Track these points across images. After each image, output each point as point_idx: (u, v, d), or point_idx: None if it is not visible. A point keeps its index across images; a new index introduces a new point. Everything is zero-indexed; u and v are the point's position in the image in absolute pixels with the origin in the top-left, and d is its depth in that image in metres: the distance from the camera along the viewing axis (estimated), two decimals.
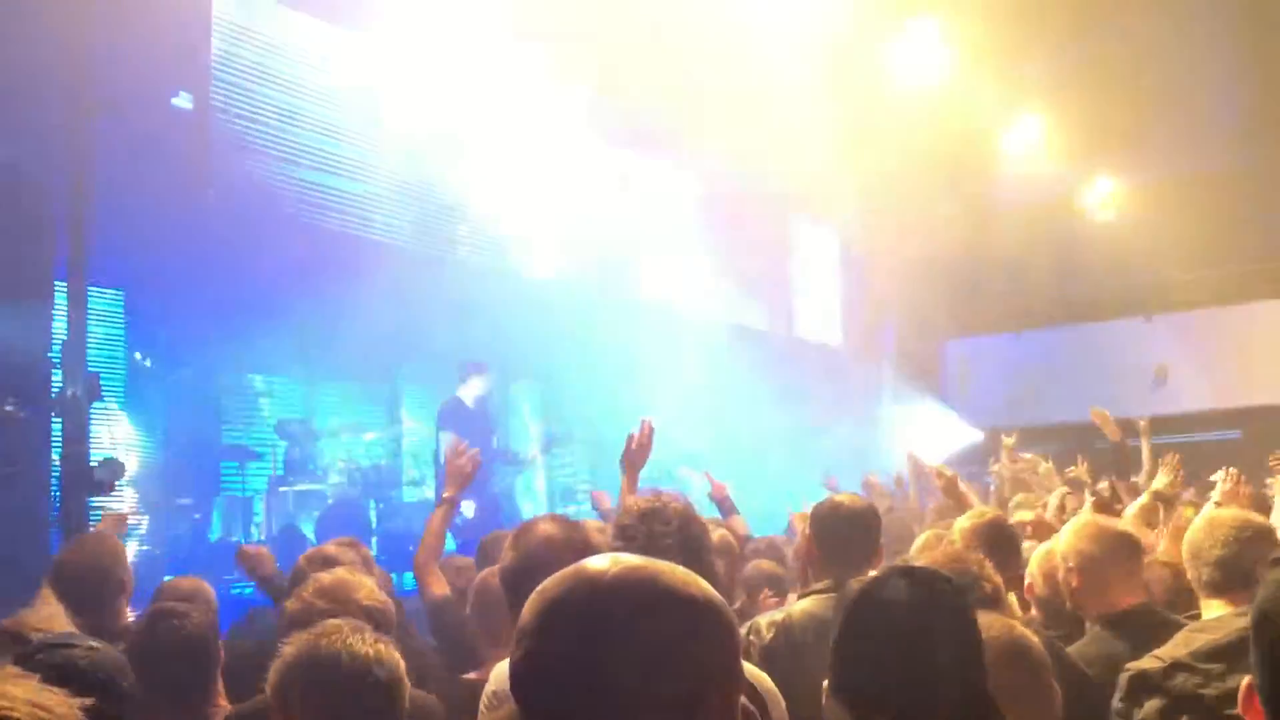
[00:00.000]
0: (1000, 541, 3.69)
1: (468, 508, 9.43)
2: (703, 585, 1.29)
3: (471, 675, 3.26)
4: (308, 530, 8.58)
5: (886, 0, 11.70)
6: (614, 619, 1.22)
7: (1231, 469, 5.46)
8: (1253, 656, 1.28)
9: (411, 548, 6.21)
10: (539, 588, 1.30)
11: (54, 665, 2.00)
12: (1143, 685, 2.83)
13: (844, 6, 10.71)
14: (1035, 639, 2.36)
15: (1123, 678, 2.83)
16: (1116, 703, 2.83)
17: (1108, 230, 16.57)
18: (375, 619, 2.56)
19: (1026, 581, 3.80)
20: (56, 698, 1.32)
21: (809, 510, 3.71)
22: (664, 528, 2.63)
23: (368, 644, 2.20)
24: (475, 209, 10.15)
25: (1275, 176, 15.81)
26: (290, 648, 2.21)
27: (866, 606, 1.82)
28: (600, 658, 1.20)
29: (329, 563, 3.11)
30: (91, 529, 6.25)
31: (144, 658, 2.84)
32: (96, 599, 3.58)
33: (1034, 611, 3.74)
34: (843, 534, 3.44)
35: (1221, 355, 14.46)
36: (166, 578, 8.12)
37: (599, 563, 1.29)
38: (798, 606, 3.43)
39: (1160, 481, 5.28)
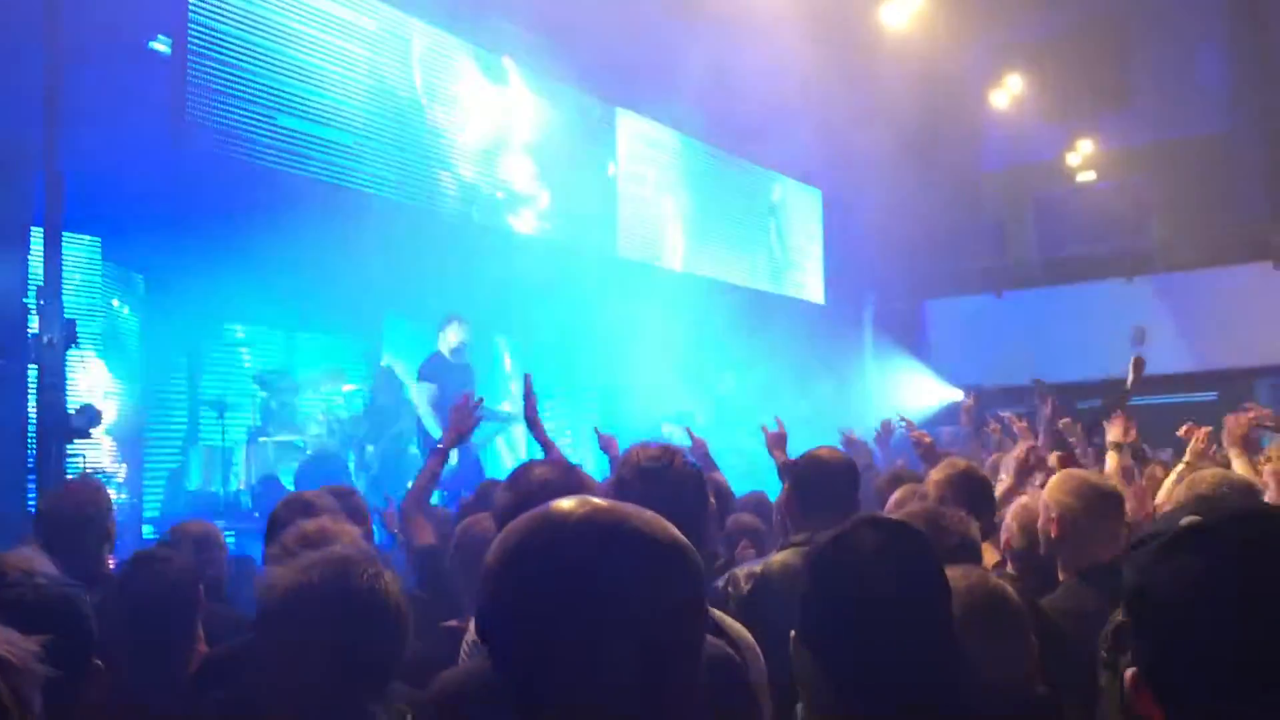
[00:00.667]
0: (974, 492, 3.71)
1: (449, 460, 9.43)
2: (670, 529, 1.27)
3: (452, 623, 3.26)
4: (286, 481, 8.57)
5: None
6: (577, 559, 1.21)
7: (1200, 428, 5.47)
8: (1132, 637, 1.26)
9: (389, 497, 6.24)
10: (504, 530, 1.29)
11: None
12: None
13: None
14: (1010, 590, 2.38)
15: (1108, 629, 2.85)
16: (1103, 653, 2.85)
17: (1089, 192, 16.62)
18: None
19: (1003, 535, 3.82)
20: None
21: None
22: (660, 491, 2.56)
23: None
24: (460, 161, 10.09)
25: (1256, 141, 15.86)
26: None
27: (833, 556, 1.82)
28: (562, 598, 1.19)
29: (308, 509, 3.09)
30: (70, 476, 6.25)
31: (125, 601, 2.83)
32: (79, 545, 3.56)
33: (1009, 565, 3.76)
34: (822, 487, 3.44)
35: (1200, 318, 14.53)
36: (147, 527, 8.18)
37: (566, 504, 1.28)
38: (775, 559, 3.44)
39: (1112, 434, 5.30)
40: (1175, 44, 16.06)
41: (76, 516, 3.65)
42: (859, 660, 1.71)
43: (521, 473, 2.60)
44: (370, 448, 9.27)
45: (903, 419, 7.51)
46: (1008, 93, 14.80)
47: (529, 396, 4.26)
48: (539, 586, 1.20)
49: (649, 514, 1.28)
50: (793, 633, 1.81)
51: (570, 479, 2.53)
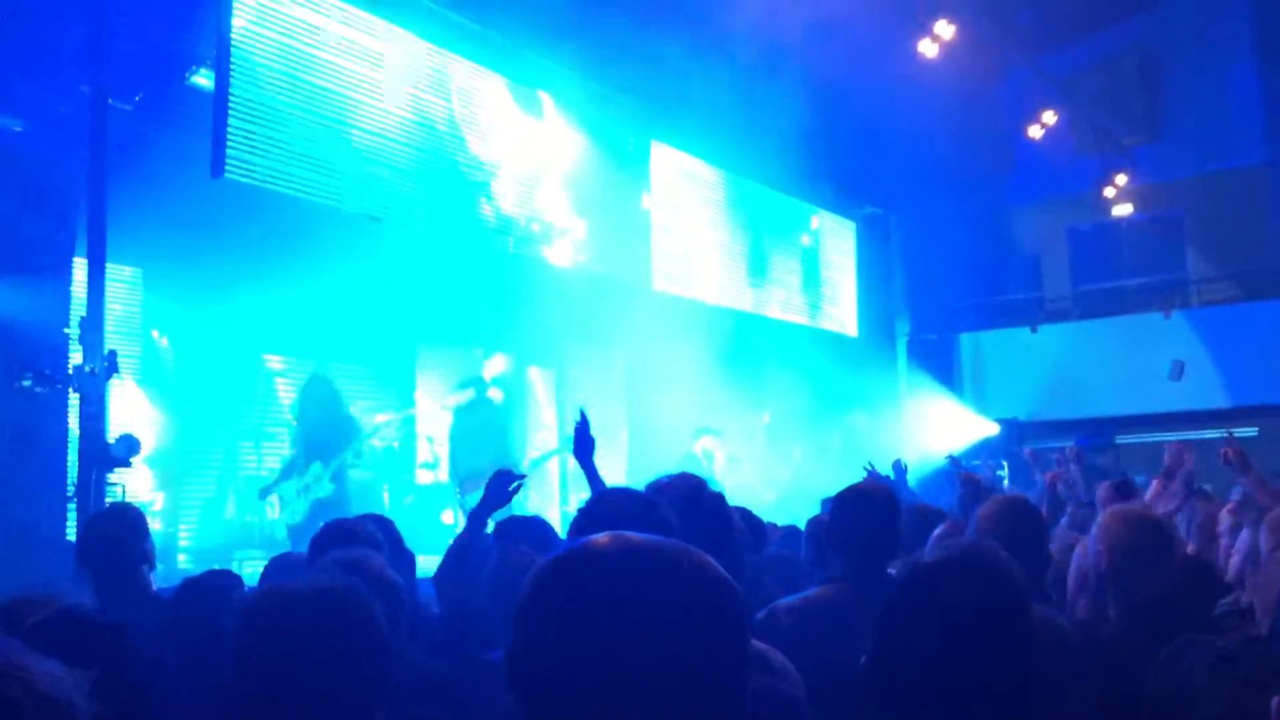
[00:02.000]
0: (1020, 529, 3.63)
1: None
2: (709, 562, 1.24)
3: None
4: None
5: None
6: (611, 594, 1.18)
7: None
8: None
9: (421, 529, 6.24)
10: (540, 564, 1.26)
11: None
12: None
13: (866, 2, 10.70)
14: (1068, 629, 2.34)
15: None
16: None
17: (1125, 225, 16.51)
18: (386, 593, 2.52)
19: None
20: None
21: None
22: (691, 524, 2.51)
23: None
24: (496, 193, 10.14)
25: None
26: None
27: (919, 590, 1.78)
28: (596, 632, 1.16)
29: (349, 535, 3.09)
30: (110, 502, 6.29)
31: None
32: (118, 566, 3.60)
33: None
34: (866, 522, 3.40)
35: (1239, 352, 14.36)
36: (183, 557, 8.22)
37: (601, 537, 1.25)
38: (815, 593, 3.41)
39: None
40: (1209, 75, 15.98)
41: (115, 539, 3.69)
42: (937, 695, 1.68)
43: (599, 500, 2.53)
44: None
45: (951, 458, 7.44)
46: (1041, 124, 14.75)
47: (582, 434, 4.18)
48: (570, 619, 1.18)
49: (683, 546, 1.25)
50: (862, 660, 1.77)
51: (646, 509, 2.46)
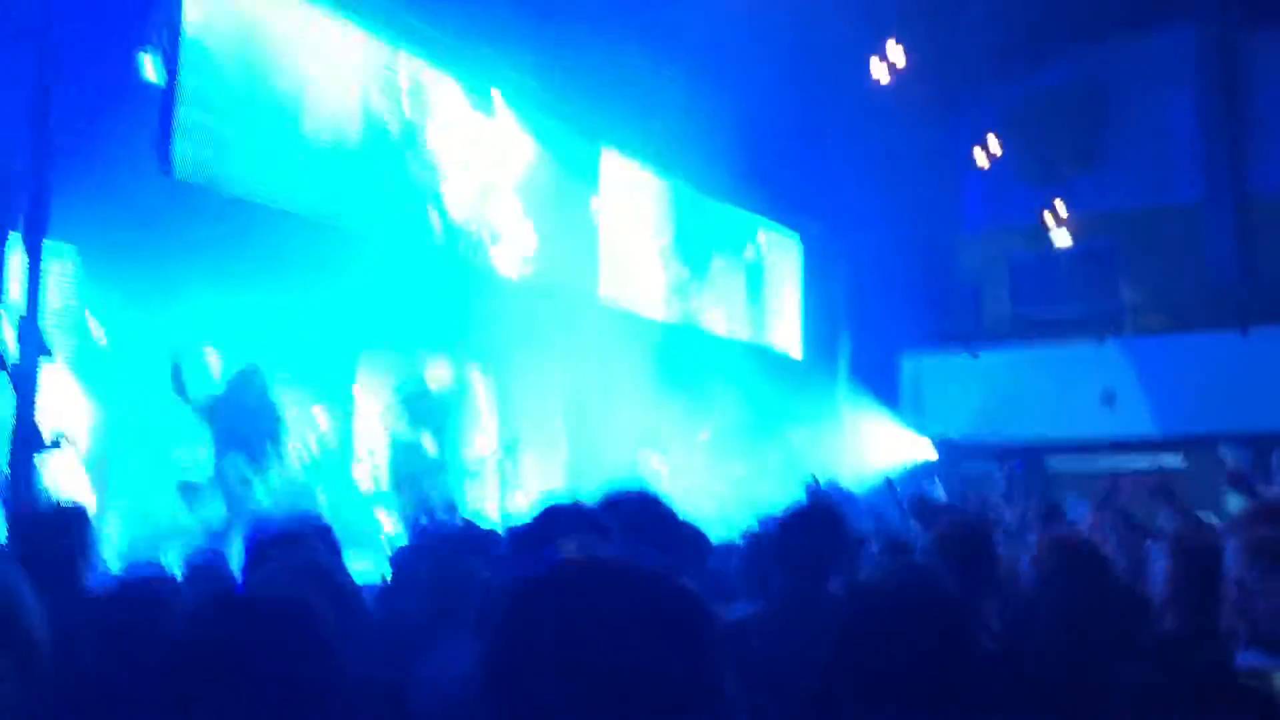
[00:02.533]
0: (973, 548, 3.66)
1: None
2: (682, 582, 1.26)
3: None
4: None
5: (857, 17, 11.78)
6: (594, 614, 1.20)
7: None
8: None
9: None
10: (512, 588, 1.27)
11: None
12: None
13: (818, 22, 10.81)
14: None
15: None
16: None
17: (1063, 255, 16.81)
18: (340, 598, 2.50)
19: None
20: None
21: None
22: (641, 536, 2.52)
23: None
24: (446, 196, 10.09)
25: (1227, 209, 16.12)
26: None
27: (865, 611, 1.78)
28: (570, 645, 1.18)
29: (293, 538, 3.05)
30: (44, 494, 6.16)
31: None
32: (56, 570, 3.50)
33: None
34: (812, 541, 3.41)
35: (1168, 382, 14.67)
36: (110, 553, 8.03)
37: (567, 550, 1.27)
38: (758, 610, 3.41)
39: None
40: (1149, 111, 16.35)
41: (55, 540, 3.59)
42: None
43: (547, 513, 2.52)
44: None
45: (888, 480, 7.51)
46: (986, 153, 14.99)
47: None
48: (548, 635, 1.19)
49: (650, 562, 1.27)
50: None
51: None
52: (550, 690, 1.17)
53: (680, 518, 2.72)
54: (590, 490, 2.75)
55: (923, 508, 5.80)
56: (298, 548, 2.92)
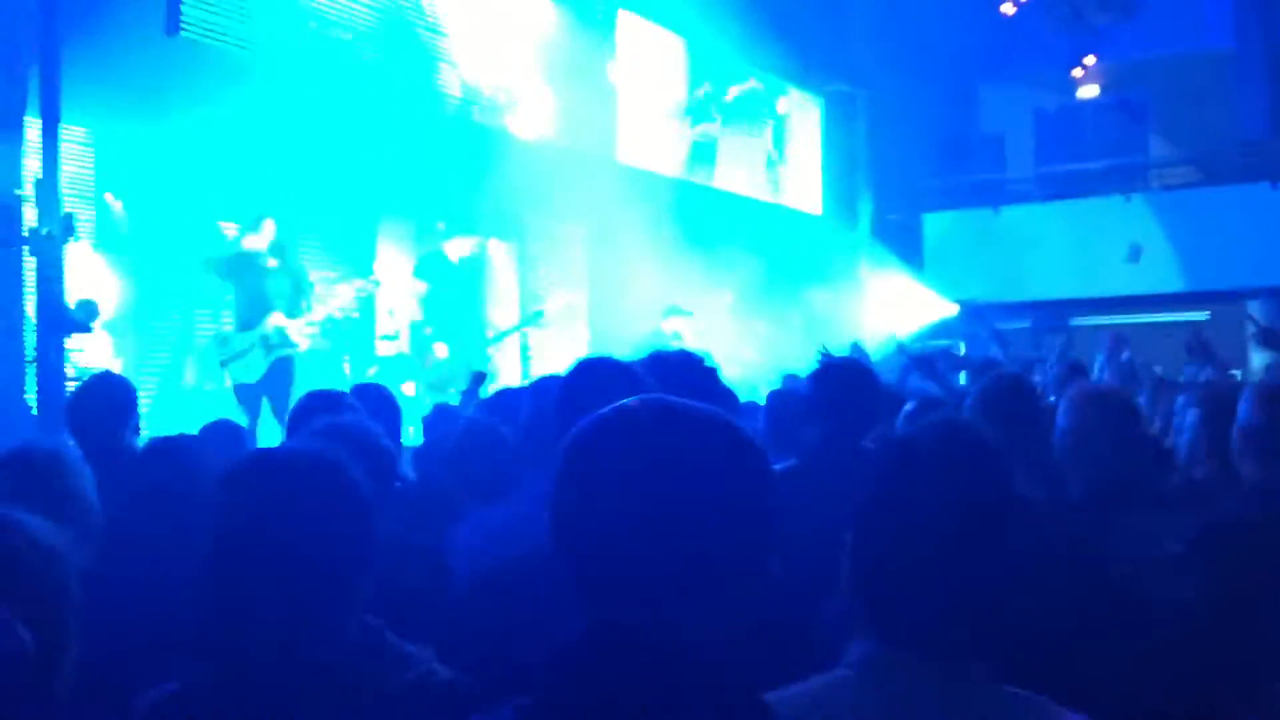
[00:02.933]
0: (1020, 404, 3.64)
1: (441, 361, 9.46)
2: (738, 424, 1.28)
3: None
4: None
5: None
6: (655, 455, 1.21)
7: None
8: None
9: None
10: (574, 432, 1.27)
11: None
12: None
13: None
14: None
15: None
16: None
17: (1090, 107, 16.47)
18: (377, 460, 2.51)
19: None
20: None
21: None
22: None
23: None
24: (460, 60, 9.90)
25: (1259, 58, 15.68)
26: None
27: (899, 463, 1.61)
28: (641, 485, 1.19)
29: (331, 404, 3.08)
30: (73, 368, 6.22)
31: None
32: (107, 440, 3.62)
33: None
34: (846, 394, 3.39)
35: (1196, 236, 14.48)
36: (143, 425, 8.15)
37: (633, 402, 1.27)
38: (792, 464, 3.42)
39: None
40: None
41: (104, 411, 3.70)
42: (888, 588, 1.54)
43: (583, 368, 2.50)
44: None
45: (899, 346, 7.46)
46: (1013, 1, 14.57)
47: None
48: (616, 473, 1.21)
49: (717, 410, 1.29)
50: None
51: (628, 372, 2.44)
52: (620, 528, 1.19)
53: (720, 377, 2.71)
54: (617, 355, 2.75)
55: (961, 364, 5.77)
56: (338, 410, 2.94)
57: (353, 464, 1.96)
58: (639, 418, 1.24)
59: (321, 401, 3.19)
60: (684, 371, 2.59)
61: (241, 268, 7.84)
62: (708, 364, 2.70)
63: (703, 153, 13.08)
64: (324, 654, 1.76)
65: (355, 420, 2.71)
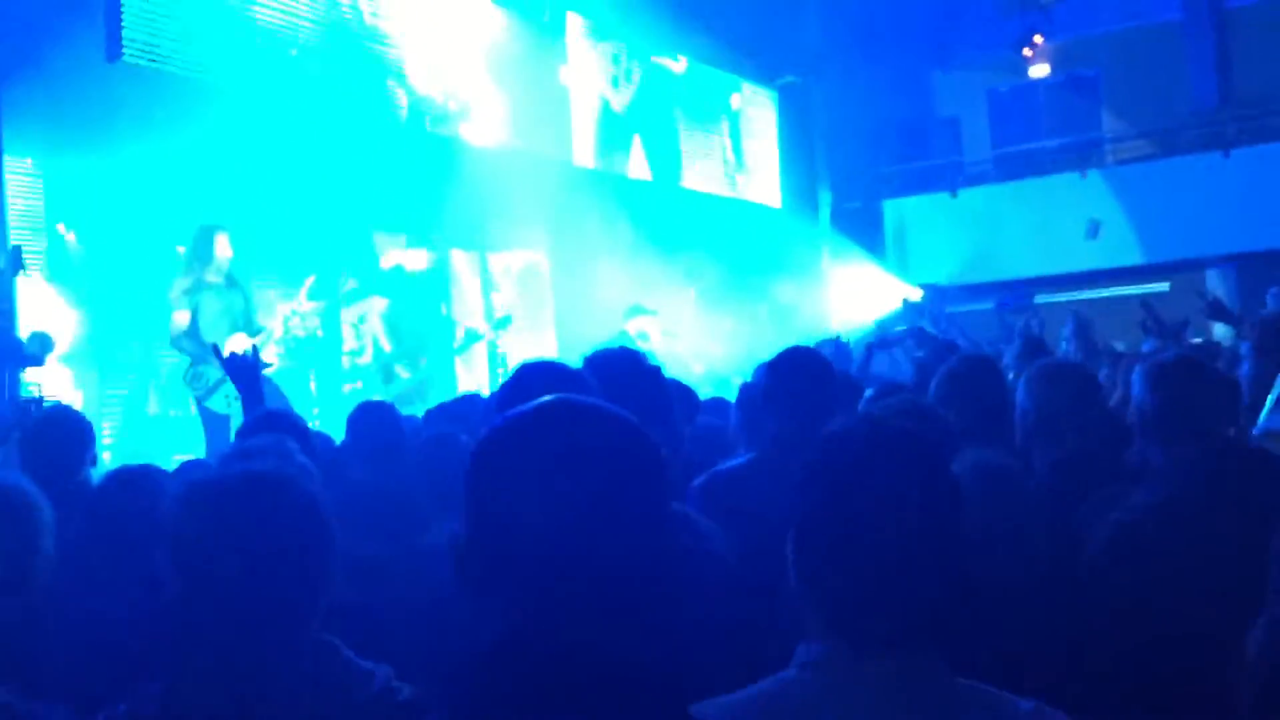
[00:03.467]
0: (986, 383, 3.64)
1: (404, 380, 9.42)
2: (626, 417, 1.30)
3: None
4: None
5: None
6: (548, 443, 1.24)
7: None
8: None
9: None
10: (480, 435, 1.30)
11: None
12: None
13: None
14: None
15: None
16: None
17: (1041, 86, 16.57)
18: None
19: None
20: None
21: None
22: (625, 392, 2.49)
23: None
24: (409, 70, 9.84)
25: (1207, 29, 15.84)
26: None
27: (833, 448, 1.57)
28: (533, 486, 1.21)
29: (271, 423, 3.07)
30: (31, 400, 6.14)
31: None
32: (62, 473, 3.57)
33: None
34: (799, 384, 3.37)
35: (1152, 209, 14.61)
36: (106, 452, 8.07)
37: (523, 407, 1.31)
38: (751, 458, 3.40)
39: None
40: None
41: (59, 444, 3.66)
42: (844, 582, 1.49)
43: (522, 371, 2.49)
44: None
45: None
46: None
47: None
48: (507, 477, 1.23)
49: (607, 406, 1.32)
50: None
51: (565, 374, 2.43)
52: (522, 520, 1.20)
53: (663, 373, 2.69)
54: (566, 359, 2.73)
55: (929, 344, 5.78)
56: (271, 432, 2.92)
57: (311, 480, 1.94)
58: (535, 417, 1.26)
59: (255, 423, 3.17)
60: (625, 370, 2.57)
61: (201, 295, 7.68)
62: (650, 363, 2.68)
63: (659, 152, 13.06)
64: (282, 671, 1.74)
65: (277, 438, 2.69)
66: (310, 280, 8.75)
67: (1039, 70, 15.89)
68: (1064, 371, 3.62)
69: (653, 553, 1.23)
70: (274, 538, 1.78)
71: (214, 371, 7.39)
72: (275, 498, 1.83)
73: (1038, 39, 15.31)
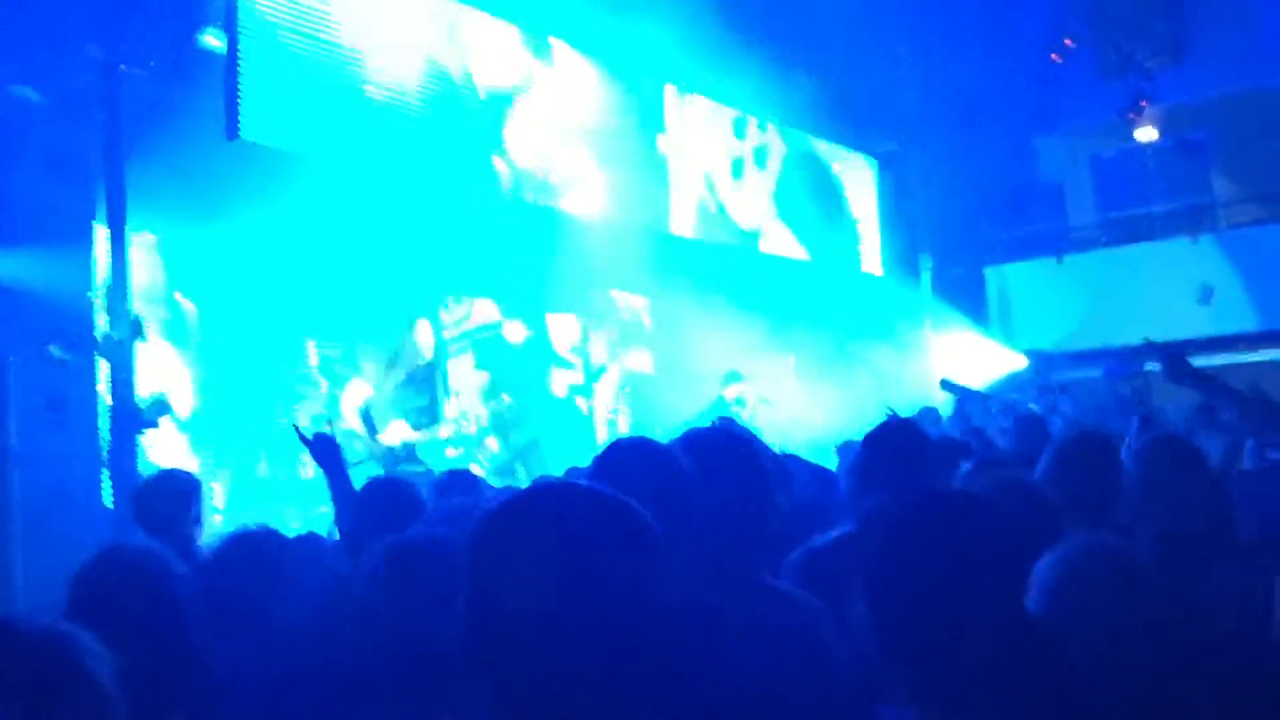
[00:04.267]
0: (1098, 460, 3.59)
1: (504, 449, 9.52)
2: (627, 502, 1.35)
3: None
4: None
5: None
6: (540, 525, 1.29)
7: None
8: None
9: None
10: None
11: None
12: None
13: None
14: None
15: None
16: None
17: (1148, 150, 16.28)
18: None
19: None
20: None
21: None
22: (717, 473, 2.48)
23: None
24: (510, 144, 10.07)
25: None
26: None
27: (881, 529, 1.64)
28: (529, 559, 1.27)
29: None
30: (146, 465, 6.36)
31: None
32: (169, 533, 3.71)
33: None
34: (893, 459, 3.35)
35: (1267, 274, 14.18)
36: (219, 518, 8.30)
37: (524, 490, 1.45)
38: (849, 532, 3.37)
39: None
40: None
41: (167, 504, 3.81)
42: (909, 648, 1.53)
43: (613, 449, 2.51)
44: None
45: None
46: (1063, 49, 14.51)
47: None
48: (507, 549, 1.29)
49: (606, 491, 1.37)
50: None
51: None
52: (511, 602, 1.25)
53: (756, 446, 2.69)
54: (677, 423, 2.76)
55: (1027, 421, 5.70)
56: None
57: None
58: (531, 503, 1.34)
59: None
60: (717, 446, 2.58)
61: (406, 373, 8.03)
62: (743, 437, 2.68)
63: (758, 220, 13.11)
64: None
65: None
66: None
67: (1146, 134, 15.63)
68: (1171, 443, 3.54)
69: (644, 627, 1.25)
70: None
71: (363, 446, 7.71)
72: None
73: (1143, 103, 15.09)
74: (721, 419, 2.72)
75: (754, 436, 2.73)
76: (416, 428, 7.92)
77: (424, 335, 8.06)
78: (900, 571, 1.54)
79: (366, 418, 8.04)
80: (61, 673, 1.53)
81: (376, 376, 8.22)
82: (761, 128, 13.26)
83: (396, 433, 7.82)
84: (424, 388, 8.05)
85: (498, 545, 1.28)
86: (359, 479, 4.12)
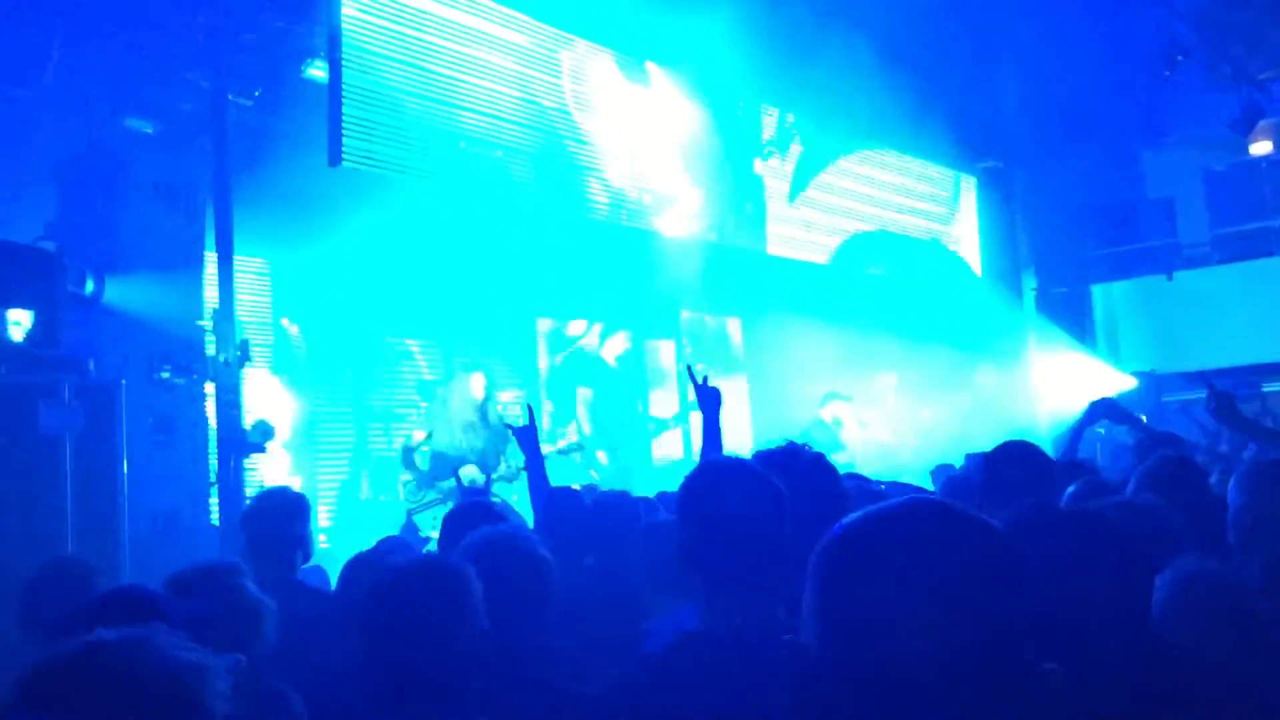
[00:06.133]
0: (1179, 483, 3.49)
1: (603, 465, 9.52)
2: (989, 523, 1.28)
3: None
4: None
5: None
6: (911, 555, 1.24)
7: None
8: None
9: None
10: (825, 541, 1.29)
11: None
12: None
13: None
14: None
15: None
16: None
17: (1263, 164, 15.75)
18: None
19: None
20: None
21: None
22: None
23: None
24: (607, 167, 10.13)
25: None
26: None
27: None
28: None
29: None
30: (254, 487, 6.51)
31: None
32: (277, 551, 3.81)
33: None
34: (1017, 479, 3.30)
35: None
36: (322, 538, 8.46)
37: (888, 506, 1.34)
38: None
39: None
40: None
41: (278, 523, 3.88)
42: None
43: (705, 470, 2.51)
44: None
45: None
46: (1172, 62, 14.12)
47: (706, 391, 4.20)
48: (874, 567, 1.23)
49: (964, 508, 1.30)
50: None
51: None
52: (882, 625, 1.21)
53: (835, 469, 2.66)
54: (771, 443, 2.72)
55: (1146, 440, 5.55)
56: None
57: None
58: (902, 520, 1.26)
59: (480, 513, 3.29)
60: (798, 466, 2.55)
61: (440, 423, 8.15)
62: (825, 461, 2.65)
63: (853, 239, 12.99)
64: None
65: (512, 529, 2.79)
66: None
67: (1261, 148, 15.12)
68: (1276, 470, 3.39)
69: (1003, 660, 1.20)
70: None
71: (431, 493, 7.81)
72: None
73: (1255, 115, 14.60)
74: (789, 441, 2.67)
75: (819, 454, 2.68)
76: (484, 469, 8.00)
77: (476, 384, 8.18)
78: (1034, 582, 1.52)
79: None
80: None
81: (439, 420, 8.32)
82: (859, 147, 13.14)
83: (467, 473, 7.92)
84: (487, 432, 8.15)
85: (871, 565, 1.23)
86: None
